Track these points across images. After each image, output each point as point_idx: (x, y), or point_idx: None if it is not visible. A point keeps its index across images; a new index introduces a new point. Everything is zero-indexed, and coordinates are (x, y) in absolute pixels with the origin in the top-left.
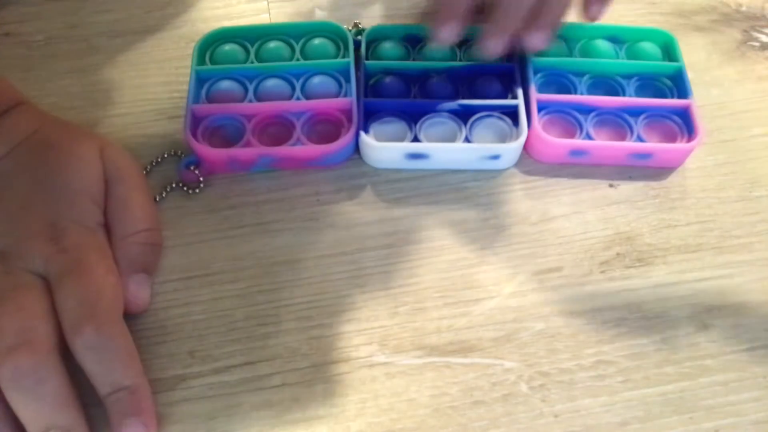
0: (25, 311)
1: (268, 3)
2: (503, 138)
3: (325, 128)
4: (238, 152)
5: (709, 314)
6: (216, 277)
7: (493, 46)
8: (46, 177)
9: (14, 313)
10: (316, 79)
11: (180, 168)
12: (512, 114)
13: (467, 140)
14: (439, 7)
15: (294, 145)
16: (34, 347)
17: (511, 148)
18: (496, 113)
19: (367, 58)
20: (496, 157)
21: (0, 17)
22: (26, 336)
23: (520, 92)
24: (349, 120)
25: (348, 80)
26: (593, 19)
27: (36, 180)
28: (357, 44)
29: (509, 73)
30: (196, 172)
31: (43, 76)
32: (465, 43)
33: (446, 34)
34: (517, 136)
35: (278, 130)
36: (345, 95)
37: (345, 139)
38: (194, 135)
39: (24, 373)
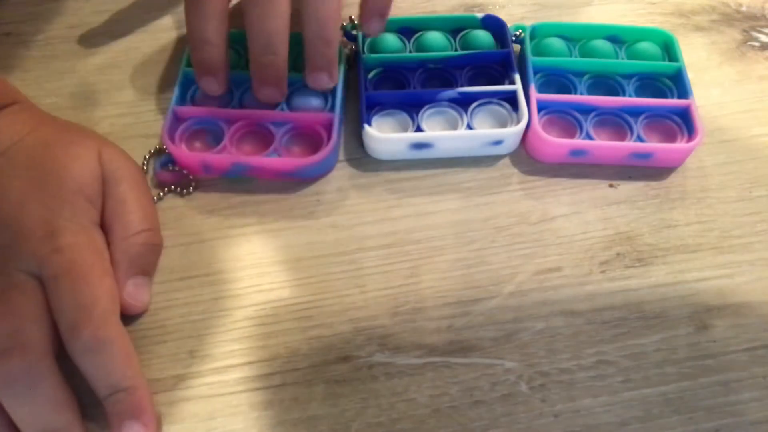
0: (17, 313)
1: None
2: (504, 123)
3: (305, 140)
4: (212, 157)
5: (709, 314)
6: (216, 277)
7: (265, 97)
8: (41, 176)
9: (6, 316)
10: (303, 91)
11: (156, 168)
12: (510, 99)
13: (469, 127)
14: (195, 66)
15: (270, 155)
16: (26, 350)
17: (513, 132)
18: (495, 99)
19: (363, 52)
20: (498, 142)
21: (0, 17)
22: (18, 339)
23: (517, 77)
24: (329, 135)
25: (334, 95)
26: (373, 34)
27: (31, 179)
28: (353, 37)
29: (505, 59)
30: (184, 171)
31: (43, 76)
32: (459, 32)
33: (208, 88)
34: (518, 121)
35: (258, 138)
36: (329, 109)
37: (321, 154)
38: (173, 135)
39: (16, 377)
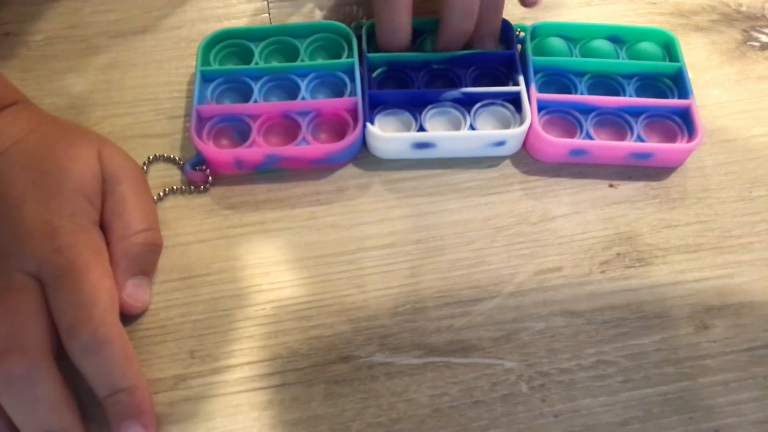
0: (16, 314)
1: (267, 3)
2: (507, 124)
3: (331, 127)
4: (244, 152)
5: (709, 314)
6: (216, 277)
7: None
8: (41, 176)
9: (5, 316)
10: (322, 79)
11: (186, 169)
12: (514, 101)
13: (472, 128)
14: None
15: (299, 144)
16: (25, 351)
17: (516, 134)
18: (498, 101)
19: (368, 51)
20: (501, 143)
21: (0, 17)
22: (17, 340)
23: (521, 79)
24: (355, 119)
25: (353, 79)
26: (532, 4)
27: (31, 179)
28: (358, 37)
29: (509, 60)
30: (207, 171)
31: (43, 76)
32: None
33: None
34: (521, 122)
35: (284, 129)
36: (350, 94)
37: (350, 138)
38: (199, 135)
39: (15, 378)
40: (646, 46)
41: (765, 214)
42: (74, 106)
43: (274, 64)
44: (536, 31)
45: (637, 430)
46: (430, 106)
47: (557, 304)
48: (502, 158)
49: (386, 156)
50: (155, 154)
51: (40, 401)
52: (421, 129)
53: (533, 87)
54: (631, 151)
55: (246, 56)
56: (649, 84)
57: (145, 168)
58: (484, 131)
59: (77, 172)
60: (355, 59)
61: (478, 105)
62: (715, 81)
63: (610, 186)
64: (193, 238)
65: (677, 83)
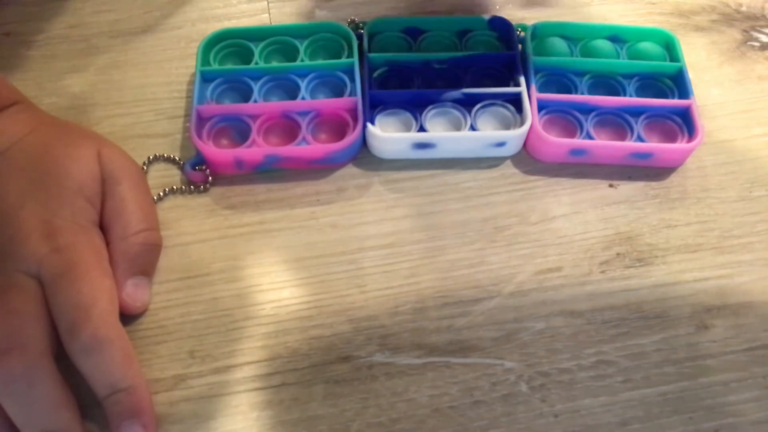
0: (15, 314)
1: (267, 3)
2: (507, 125)
3: (331, 127)
4: (244, 152)
5: (709, 314)
6: (216, 277)
7: None
8: (40, 177)
9: (5, 316)
10: (322, 79)
11: (186, 169)
12: (514, 101)
13: (472, 128)
14: None
15: (299, 144)
16: (24, 351)
17: (516, 135)
18: (499, 101)
19: (369, 51)
20: (501, 144)
21: (0, 17)
22: (16, 340)
23: (522, 80)
24: (355, 119)
25: (353, 79)
26: None
27: (30, 180)
28: (359, 37)
29: (510, 61)
30: (207, 171)
31: (43, 76)
32: (466, 33)
33: None
34: (522, 123)
35: (284, 129)
36: (350, 94)
37: (350, 138)
38: (199, 135)
39: (14, 378)
40: (646, 46)
41: (765, 214)
42: (74, 106)
43: (274, 64)
44: (537, 31)
45: (637, 430)
46: (430, 107)
47: (557, 304)
48: (502, 158)
49: (386, 156)
50: (155, 154)
51: (39, 401)
52: (422, 129)
53: (533, 87)
54: (631, 151)
55: (246, 56)
56: (650, 84)
57: (145, 168)
58: (485, 132)
59: (77, 172)
60: (355, 59)
61: (478, 105)
62: (715, 81)
63: (610, 186)
64: (193, 238)
65: (677, 83)
